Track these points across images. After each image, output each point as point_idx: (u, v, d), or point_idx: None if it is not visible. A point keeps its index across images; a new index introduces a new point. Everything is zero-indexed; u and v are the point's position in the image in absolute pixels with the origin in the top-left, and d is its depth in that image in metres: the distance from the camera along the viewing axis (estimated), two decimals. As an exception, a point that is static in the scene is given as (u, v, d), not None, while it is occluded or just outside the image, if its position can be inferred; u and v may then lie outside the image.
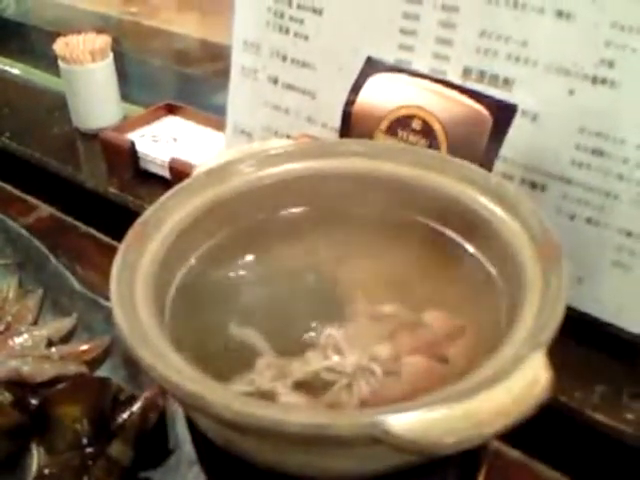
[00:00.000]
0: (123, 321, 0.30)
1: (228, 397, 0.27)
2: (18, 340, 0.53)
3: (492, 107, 0.44)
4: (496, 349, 0.28)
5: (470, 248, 0.37)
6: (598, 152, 0.47)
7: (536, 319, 0.29)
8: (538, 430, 0.36)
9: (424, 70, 0.51)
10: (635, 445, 0.45)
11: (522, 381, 0.26)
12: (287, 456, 0.29)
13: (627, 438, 0.45)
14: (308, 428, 0.25)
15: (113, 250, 0.34)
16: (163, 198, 0.37)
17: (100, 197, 0.73)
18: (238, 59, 0.62)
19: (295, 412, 0.28)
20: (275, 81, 0.60)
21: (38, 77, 0.99)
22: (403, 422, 0.25)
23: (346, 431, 0.25)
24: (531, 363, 0.26)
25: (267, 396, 0.31)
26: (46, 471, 0.43)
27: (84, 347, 0.53)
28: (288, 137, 0.60)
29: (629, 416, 0.46)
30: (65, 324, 0.55)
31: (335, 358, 0.33)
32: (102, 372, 0.51)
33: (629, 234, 0.47)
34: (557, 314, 0.28)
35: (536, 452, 0.46)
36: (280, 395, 0.31)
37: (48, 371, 0.50)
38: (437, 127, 0.45)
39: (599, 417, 0.46)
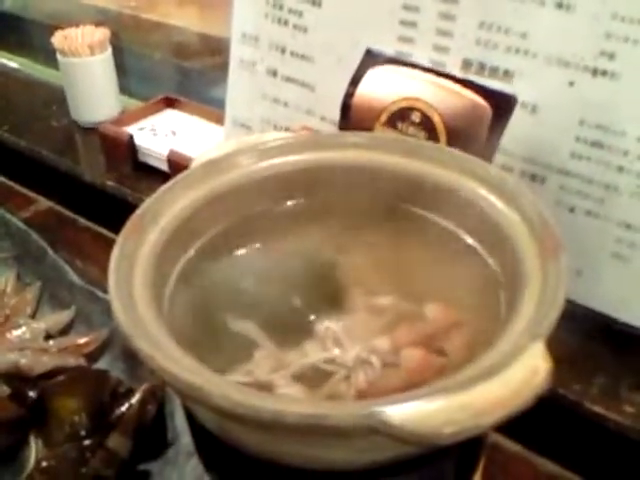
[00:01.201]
0: (121, 313, 0.30)
1: (226, 388, 0.27)
2: (16, 333, 0.53)
3: (492, 99, 0.44)
4: (495, 340, 0.28)
5: (469, 240, 0.37)
6: (598, 144, 0.47)
7: (535, 310, 0.29)
8: (537, 423, 0.36)
9: (424, 62, 0.50)
10: (634, 437, 0.45)
11: (521, 372, 0.26)
12: (285, 447, 0.29)
13: (626, 430, 0.45)
14: (306, 418, 0.25)
15: (112, 243, 0.33)
16: (161, 190, 0.37)
17: (98, 190, 0.73)
18: (237, 52, 0.62)
19: (293, 403, 0.28)
20: (274, 74, 0.60)
21: (36, 70, 0.99)
22: (401, 412, 0.25)
23: (344, 422, 0.25)
24: (530, 354, 0.26)
25: (265, 387, 0.31)
26: (44, 463, 0.43)
27: (82, 340, 0.53)
28: (287, 130, 0.60)
29: (628, 408, 0.46)
30: (63, 317, 0.55)
31: (335, 351, 0.33)
32: (101, 365, 0.51)
33: (628, 226, 0.47)
34: (556, 305, 0.28)
35: (535, 445, 0.46)
36: (278, 386, 0.31)
37: (46, 364, 0.50)
38: (437, 119, 0.45)
39: (598, 409, 0.46)
